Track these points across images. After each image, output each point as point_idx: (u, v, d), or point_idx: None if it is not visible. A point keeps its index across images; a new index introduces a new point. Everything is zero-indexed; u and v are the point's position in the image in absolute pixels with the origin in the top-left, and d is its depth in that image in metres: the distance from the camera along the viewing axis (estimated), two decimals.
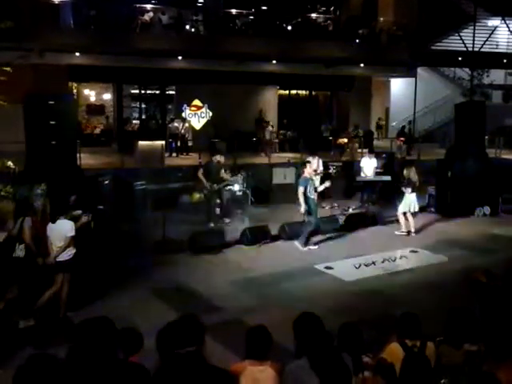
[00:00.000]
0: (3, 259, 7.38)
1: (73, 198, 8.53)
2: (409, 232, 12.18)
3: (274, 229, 11.70)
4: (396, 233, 12.23)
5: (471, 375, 3.71)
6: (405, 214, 12.19)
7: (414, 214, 12.26)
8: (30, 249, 7.33)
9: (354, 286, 8.93)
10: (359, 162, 15.23)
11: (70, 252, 7.34)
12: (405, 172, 12.22)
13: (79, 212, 8.06)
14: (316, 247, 11.14)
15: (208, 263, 10.09)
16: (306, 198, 10.77)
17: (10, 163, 12.43)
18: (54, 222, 7.36)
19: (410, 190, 12.02)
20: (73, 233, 7.30)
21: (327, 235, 11.90)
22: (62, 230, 7.29)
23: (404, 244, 11.46)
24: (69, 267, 7.36)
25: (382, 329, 4.93)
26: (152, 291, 8.52)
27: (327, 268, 9.83)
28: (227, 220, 12.90)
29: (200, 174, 12.60)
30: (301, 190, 10.79)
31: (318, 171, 13.94)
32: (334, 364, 3.49)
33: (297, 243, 11.01)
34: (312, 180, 11.33)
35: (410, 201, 12.08)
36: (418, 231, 12.36)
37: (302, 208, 10.81)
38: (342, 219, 12.80)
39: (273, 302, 8.11)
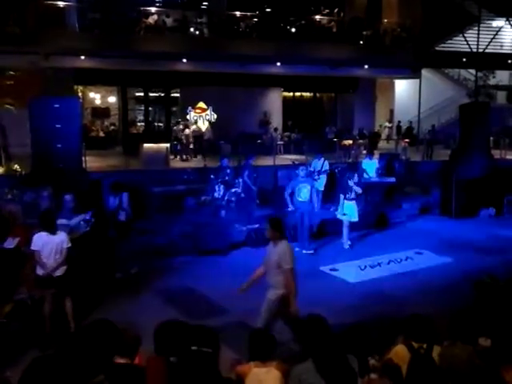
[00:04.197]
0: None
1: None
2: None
3: None
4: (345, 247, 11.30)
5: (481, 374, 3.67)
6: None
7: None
8: None
9: (359, 288, 8.93)
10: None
11: (64, 266, 6.85)
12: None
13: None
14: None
15: (213, 265, 10.11)
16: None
17: (16, 166, 12.54)
18: (54, 233, 6.72)
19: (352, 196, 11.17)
20: (69, 244, 6.82)
21: (332, 237, 11.90)
22: (60, 242, 6.75)
23: (409, 245, 11.45)
24: (64, 282, 6.85)
25: (388, 331, 4.93)
26: (157, 293, 8.54)
27: (332, 270, 9.84)
28: None
29: None
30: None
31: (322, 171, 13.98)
32: (339, 366, 3.50)
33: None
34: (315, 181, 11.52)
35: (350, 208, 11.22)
36: (423, 232, 12.31)
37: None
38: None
39: None
